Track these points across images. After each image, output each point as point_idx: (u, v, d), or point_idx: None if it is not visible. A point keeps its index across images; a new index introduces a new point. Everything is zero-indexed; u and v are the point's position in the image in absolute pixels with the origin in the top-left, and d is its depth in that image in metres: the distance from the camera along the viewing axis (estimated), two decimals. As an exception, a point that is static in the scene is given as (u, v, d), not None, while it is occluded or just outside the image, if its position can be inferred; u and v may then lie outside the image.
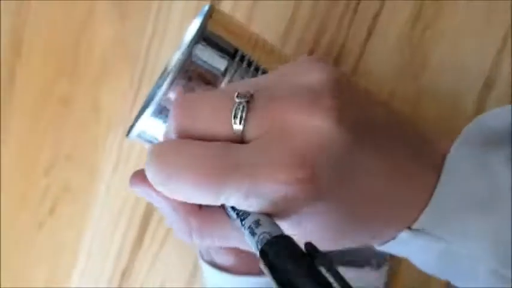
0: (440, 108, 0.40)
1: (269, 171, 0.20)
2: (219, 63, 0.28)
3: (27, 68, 0.52)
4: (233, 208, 0.22)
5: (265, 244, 0.19)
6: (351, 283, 0.33)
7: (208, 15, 0.29)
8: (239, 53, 0.28)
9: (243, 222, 0.21)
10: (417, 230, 0.24)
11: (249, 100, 0.22)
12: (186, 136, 0.23)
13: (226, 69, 0.28)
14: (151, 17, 0.45)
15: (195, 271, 0.46)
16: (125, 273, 0.49)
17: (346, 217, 0.23)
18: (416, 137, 0.25)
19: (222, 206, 0.23)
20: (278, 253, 0.18)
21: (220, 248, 0.33)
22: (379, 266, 0.36)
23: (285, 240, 0.19)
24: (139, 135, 0.29)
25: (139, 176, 0.26)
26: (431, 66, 0.40)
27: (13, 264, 0.56)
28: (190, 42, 0.28)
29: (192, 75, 0.27)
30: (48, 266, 0.53)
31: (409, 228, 0.24)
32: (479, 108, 0.39)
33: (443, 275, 0.28)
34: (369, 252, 0.37)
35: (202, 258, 0.35)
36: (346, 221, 0.23)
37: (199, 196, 0.22)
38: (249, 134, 0.22)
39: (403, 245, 0.25)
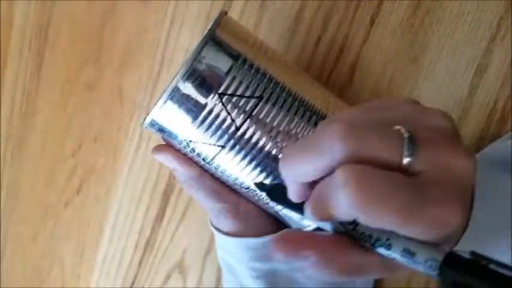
0: (437, 90, 0.43)
1: (448, 210, 0.23)
2: (223, 63, 0.32)
3: (54, 54, 0.55)
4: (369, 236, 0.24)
5: (440, 268, 0.21)
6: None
7: (218, 21, 0.32)
8: (242, 57, 0.32)
9: (387, 243, 0.24)
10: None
11: (412, 135, 0.23)
12: (355, 160, 0.23)
13: (229, 70, 0.32)
14: (170, 7, 0.49)
15: (213, 239, 0.49)
16: (148, 243, 0.52)
17: None
18: None
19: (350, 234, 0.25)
20: (458, 271, 0.21)
21: (220, 213, 0.37)
22: None
23: (453, 258, 0.22)
24: (151, 125, 0.33)
25: (161, 146, 0.35)
26: (430, 50, 0.43)
27: (41, 240, 0.59)
28: (200, 43, 0.32)
29: (199, 73, 0.31)
30: (75, 242, 0.57)
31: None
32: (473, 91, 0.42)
33: None
34: None
35: (211, 224, 0.39)
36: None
37: (391, 221, 0.23)
38: (416, 167, 0.23)
39: None
